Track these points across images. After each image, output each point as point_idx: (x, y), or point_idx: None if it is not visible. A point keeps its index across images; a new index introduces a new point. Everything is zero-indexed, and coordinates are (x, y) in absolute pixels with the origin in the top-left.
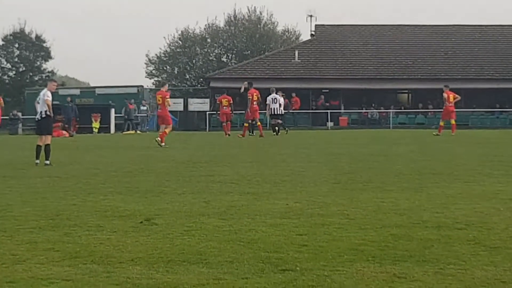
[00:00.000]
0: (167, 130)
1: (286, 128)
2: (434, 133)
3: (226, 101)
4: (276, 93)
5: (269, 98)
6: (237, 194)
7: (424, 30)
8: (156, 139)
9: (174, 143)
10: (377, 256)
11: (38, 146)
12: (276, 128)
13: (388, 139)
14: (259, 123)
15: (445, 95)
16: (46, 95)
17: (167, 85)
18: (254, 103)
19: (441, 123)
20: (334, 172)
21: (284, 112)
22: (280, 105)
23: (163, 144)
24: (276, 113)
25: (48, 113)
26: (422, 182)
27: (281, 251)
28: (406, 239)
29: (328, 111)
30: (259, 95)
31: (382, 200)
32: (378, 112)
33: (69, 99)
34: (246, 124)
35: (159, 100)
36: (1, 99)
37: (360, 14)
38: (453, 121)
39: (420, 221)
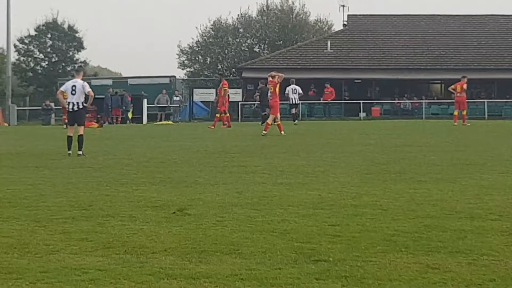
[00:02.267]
0: (269, 121)
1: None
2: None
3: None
4: (295, 84)
5: (288, 89)
6: (270, 185)
7: (457, 19)
8: (281, 132)
9: (207, 134)
10: (410, 247)
11: (69, 137)
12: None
13: (421, 129)
14: (227, 114)
15: (453, 86)
16: (86, 86)
17: (273, 72)
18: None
19: (455, 113)
20: (367, 163)
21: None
22: (300, 94)
23: (283, 132)
24: (295, 102)
25: (84, 104)
26: (456, 172)
27: (314, 242)
28: (439, 230)
29: (361, 101)
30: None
31: (415, 190)
32: (411, 102)
33: (110, 90)
34: (218, 115)
35: (271, 89)
36: None
37: (393, 3)
38: (464, 112)
39: (453, 211)
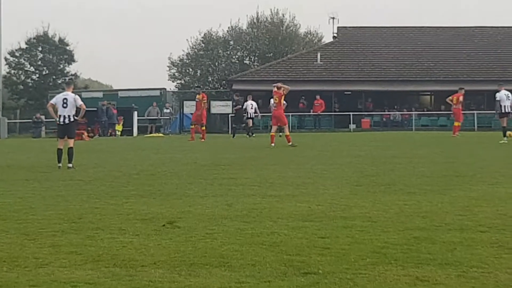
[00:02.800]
0: (287, 131)
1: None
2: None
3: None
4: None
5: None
6: (259, 197)
7: (446, 31)
8: (288, 144)
9: (197, 146)
10: (400, 259)
11: (59, 150)
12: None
13: (410, 141)
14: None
15: (450, 97)
16: (78, 99)
17: (279, 83)
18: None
19: (455, 124)
20: (357, 175)
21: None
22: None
23: (291, 143)
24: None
25: (76, 117)
26: (445, 184)
27: (304, 254)
28: (429, 242)
29: (351, 113)
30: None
31: (404, 202)
32: (401, 114)
33: (105, 102)
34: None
35: (275, 100)
36: None
37: (383, 16)
38: (456, 123)
39: (443, 223)
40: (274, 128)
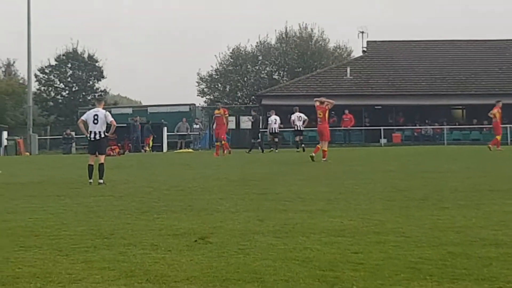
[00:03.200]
0: (325, 146)
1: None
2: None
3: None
4: (298, 112)
5: (293, 116)
6: (291, 212)
7: (477, 45)
8: (322, 160)
9: (227, 161)
10: (435, 274)
11: (90, 166)
12: (300, 144)
13: (443, 155)
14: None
15: (493, 111)
16: (108, 116)
17: (322, 98)
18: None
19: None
20: (389, 190)
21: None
22: (303, 122)
23: (325, 159)
24: (300, 129)
25: (106, 133)
26: (479, 199)
27: (337, 270)
28: (464, 257)
29: (381, 127)
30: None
31: (438, 217)
32: (432, 128)
33: (137, 118)
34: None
35: (320, 114)
36: None
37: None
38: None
39: (477, 238)
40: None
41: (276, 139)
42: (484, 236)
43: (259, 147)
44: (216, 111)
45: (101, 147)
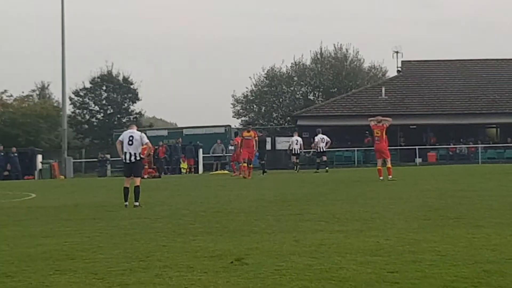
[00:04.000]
0: (389, 163)
1: (327, 168)
2: None
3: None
4: (322, 133)
5: (317, 138)
6: (327, 232)
7: (510, 63)
8: (389, 177)
9: (263, 182)
10: None
11: (126, 188)
12: (324, 165)
13: (477, 174)
14: (245, 164)
15: None
16: (144, 137)
17: (379, 117)
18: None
19: None
20: (424, 208)
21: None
22: (327, 143)
23: (391, 176)
24: (323, 150)
25: (142, 155)
26: None
27: None
28: (499, 275)
29: (416, 147)
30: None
31: (473, 235)
32: (467, 147)
33: (179, 140)
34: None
35: (377, 133)
36: None
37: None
38: None
39: None
40: (379, 162)
41: (298, 159)
42: None
43: (263, 170)
44: (246, 133)
45: (137, 170)
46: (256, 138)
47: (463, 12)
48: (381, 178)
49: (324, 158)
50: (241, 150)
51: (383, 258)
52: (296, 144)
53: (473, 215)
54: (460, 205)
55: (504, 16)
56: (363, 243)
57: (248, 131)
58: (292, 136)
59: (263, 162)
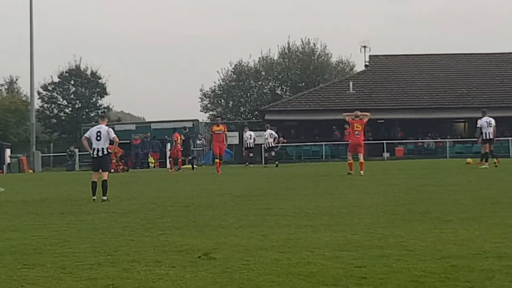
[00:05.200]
0: (362, 158)
1: (277, 162)
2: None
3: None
4: (270, 128)
5: (266, 133)
6: (295, 227)
7: (478, 58)
8: (361, 172)
9: (230, 177)
10: (438, 287)
11: (94, 182)
12: (273, 160)
13: (445, 169)
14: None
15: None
16: (111, 132)
17: (357, 112)
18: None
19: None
20: (392, 203)
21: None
22: (274, 139)
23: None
24: (271, 146)
25: (110, 150)
26: (481, 212)
27: (341, 284)
28: (467, 270)
29: (384, 141)
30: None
31: (441, 230)
32: (435, 142)
33: (148, 134)
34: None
35: (357, 127)
36: None
37: (414, 43)
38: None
39: (480, 251)
40: (350, 155)
41: (251, 154)
42: (486, 249)
43: (192, 164)
44: (215, 127)
45: (105, 164)
46: (226, 132)
47: (431, 7)
48: (352, 172)
49: (273, 153)
50: (212, 145)
51: (350, 253)
52: (271, 137)
53: (441, 210)
54: (428, 200)
55: (471, 10)
56: (331, 238)
57: (218, 125)
58: (265, 130)
59: (190, 158)
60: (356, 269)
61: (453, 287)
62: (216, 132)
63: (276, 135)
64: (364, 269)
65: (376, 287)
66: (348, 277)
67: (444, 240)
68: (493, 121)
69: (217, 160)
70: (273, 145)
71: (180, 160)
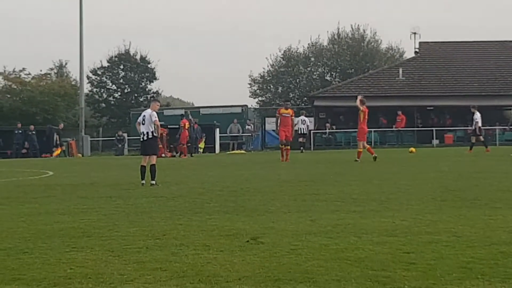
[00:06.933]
0: (360, 148)
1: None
2: None
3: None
4: (305, 116)
5: (297, 119)
6: (343, 213)
7: None
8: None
9: (279, 163)
10: (487, 274)
11: (143, 167)
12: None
13: (494, 156)
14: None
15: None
16: (153, 116)
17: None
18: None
19: None
20: (441, 190)
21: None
22: (308, 126)
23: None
24: (303, 132)
25: (155, 133)
26: None
27: (389, 270)
28: None
29: (434, 128)
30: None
31: (490, 217)
32: (484, 129)
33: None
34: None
35: (365, 115)
36: None
37: (465, 30)
38: None
39: None
40: (364, 143)
41: (304, 139)
42: None
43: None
44: (283, 110)
45: (151, 148)
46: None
47: None
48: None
49: (304, 139)
50: (279, 129)
51: (399, 238)
52: (303, 123)
53: (490, 197)
54: (477, 187)
55: None
56: (379, 223)
57: (286, 108)
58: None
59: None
60: (404, 255)
61: (502, 274)
62: (283, 114)
63: (309, 123)
64: (412, 255)
65: (424, 273)
66: (396, 263)
67: (492, 227)
68: None
69: (281, 146)
70: (305, 131)
71: (184, 146)
